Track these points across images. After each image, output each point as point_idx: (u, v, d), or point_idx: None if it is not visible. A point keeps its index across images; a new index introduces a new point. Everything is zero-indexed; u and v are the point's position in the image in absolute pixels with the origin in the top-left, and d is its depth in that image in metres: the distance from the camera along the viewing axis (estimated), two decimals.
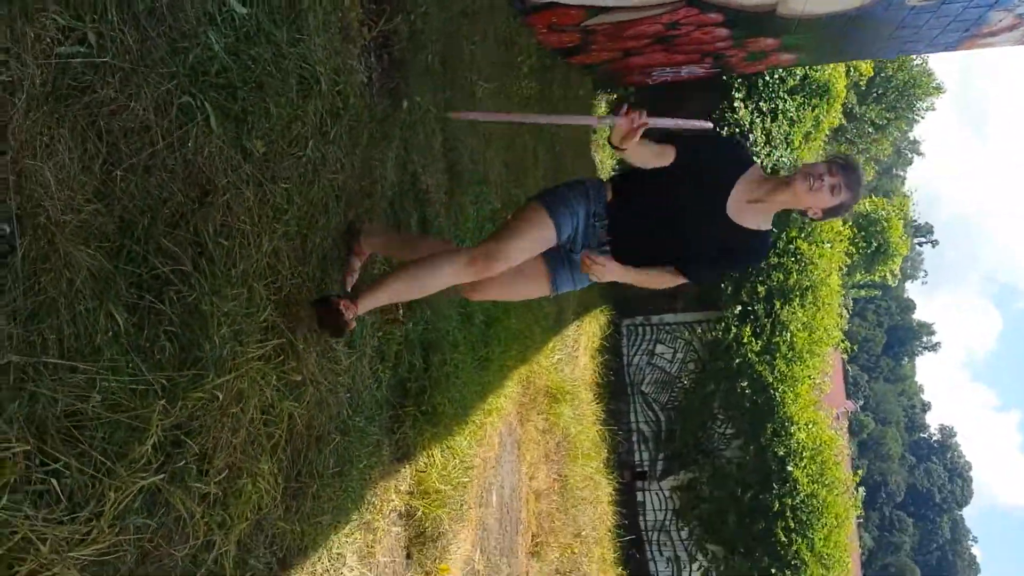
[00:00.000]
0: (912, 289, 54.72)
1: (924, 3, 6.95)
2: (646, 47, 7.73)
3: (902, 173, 53.46)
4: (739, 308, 8.73)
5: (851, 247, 11.53)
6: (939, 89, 30.86)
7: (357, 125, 3.15)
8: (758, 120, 9.87)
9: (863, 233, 14.34)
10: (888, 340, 55.26)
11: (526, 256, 2.92)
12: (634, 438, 9.10)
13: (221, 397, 2.18)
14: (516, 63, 6.38)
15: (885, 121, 30.47)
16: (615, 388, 8.95)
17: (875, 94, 29.50)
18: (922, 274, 52.04)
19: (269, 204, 2.55)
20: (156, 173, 2.07)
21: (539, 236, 2.89)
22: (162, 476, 1.97)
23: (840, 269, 9.95)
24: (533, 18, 6.66)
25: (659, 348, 9.22)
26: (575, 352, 7.58)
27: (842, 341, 10.47)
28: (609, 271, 2.85)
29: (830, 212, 2.89)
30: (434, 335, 3.97)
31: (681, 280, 2.97)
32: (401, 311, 3.67)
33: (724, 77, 9.36)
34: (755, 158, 2.94)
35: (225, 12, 2.29)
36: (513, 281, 3.08)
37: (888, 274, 16.15)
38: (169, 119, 2.10)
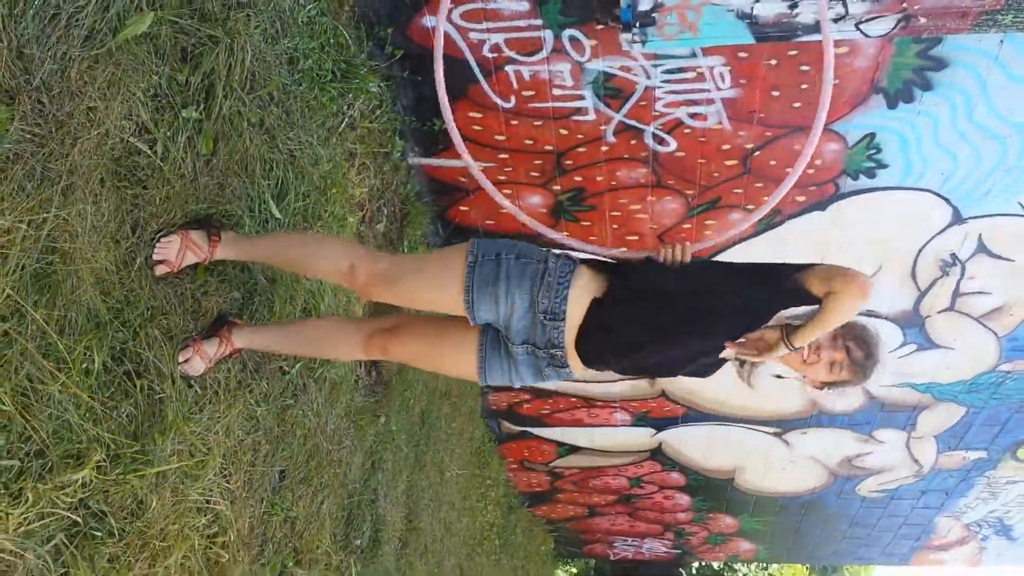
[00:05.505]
0: None
1: (874, 494, 7.40)
2: (610, 505, 7.97)
3: None
4: None
5: None
6: None
7: (336, 395, 3.35)
8: None
9: None
10: None
11: (410, 304, 2.44)
12: None
13: (154, 505, 2.09)
14: (485, 483, 6.59)
15: None
16: None
17: None
18: None
19: (244, 401, 2.66)
20: (166, 289, 2.27)
21: (437, 300, 2.36)
22: (75, 530, 1.83)
23: None
24: (506, 447, 7.03)
25: None
26: None
27: None
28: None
29: (829, 385, 2.41)
30: None
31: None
32: None
33: (681, 569, 9.43)
34: None
35: (264, 208, 2.69)
36: (439, 343, 2.45)
37: None
38: None
